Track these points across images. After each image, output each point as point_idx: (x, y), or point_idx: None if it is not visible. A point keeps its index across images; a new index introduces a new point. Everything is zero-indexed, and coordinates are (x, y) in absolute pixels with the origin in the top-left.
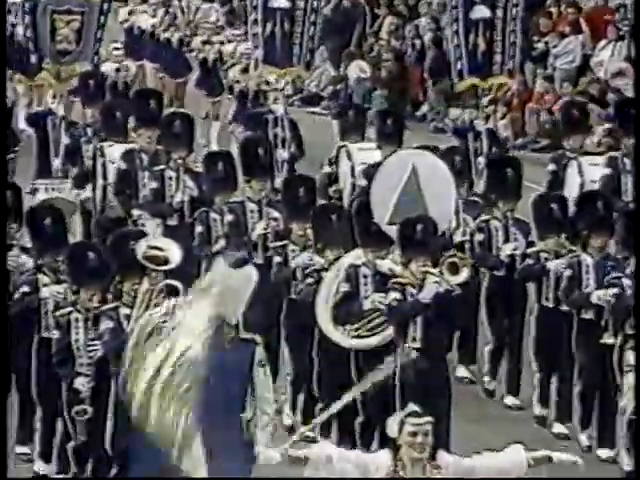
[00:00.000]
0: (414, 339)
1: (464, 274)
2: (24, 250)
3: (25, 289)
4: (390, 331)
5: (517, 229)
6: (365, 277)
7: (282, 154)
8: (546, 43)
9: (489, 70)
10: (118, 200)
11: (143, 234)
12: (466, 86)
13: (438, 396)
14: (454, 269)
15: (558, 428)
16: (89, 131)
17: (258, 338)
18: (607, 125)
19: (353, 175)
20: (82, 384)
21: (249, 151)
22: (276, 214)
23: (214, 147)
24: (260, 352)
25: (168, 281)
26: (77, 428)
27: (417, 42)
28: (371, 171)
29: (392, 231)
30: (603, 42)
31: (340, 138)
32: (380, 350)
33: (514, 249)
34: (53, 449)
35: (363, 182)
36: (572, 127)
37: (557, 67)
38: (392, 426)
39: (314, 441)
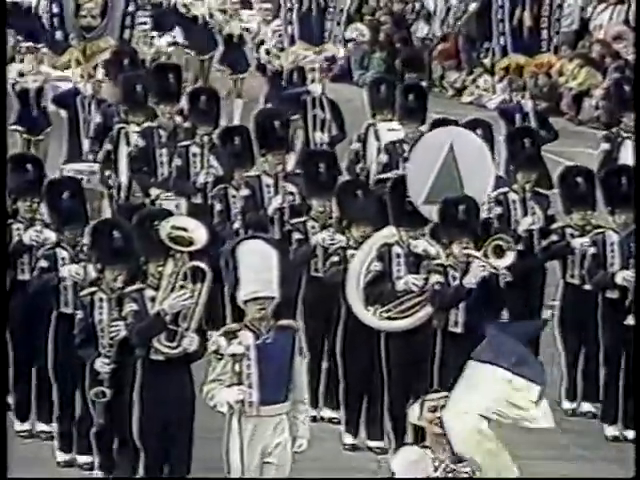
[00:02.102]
0: (455, 324)
1: (509, 258)
2: (47, 225)
3: (43, 264)
4: (423, 313)
5: (535, 203)
6: (398, 257)
7: (322, 137)
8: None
9: (537, 48)
10: (135, 178)
11: (169, 214)
12: (510, 64)
13: None
14: (499, 252)
15: (586, 407)
16: (122, 110)
17: (295, 324)
18: None
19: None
20: (102, 365)
21: (265, 124)
22: (293, 189)
23: None
24: (298, 339)
25: (194, 263)
26: (96, 411)
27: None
28: (392, 147)
29: (427, 211)
30: (602, 5)
31: (370, 112)
32: (411, 333)
33: (531, 224)
34: (72, 428)
35: (384, 159)
36: (625, 105)
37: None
38: (413, 411)
39: (338, 423)
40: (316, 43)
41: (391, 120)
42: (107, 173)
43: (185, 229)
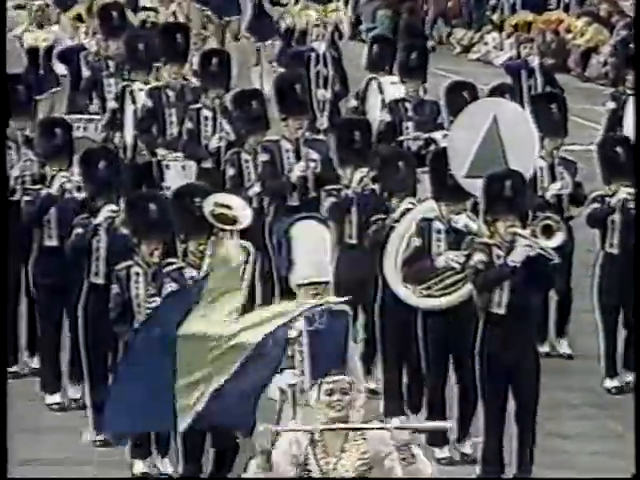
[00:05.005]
0: (499, 305)
1: (558, 238)
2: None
3: (79, 230)
4: (463, 291)
5: (564, 168)
6: (438, 232)
7: (324, 94)
8: None
9: (546, 5)
10: (142, 139)
11: (208, 191)
12: (519, 21)
13: (522, 370)
14: (548, 232)
15: (629, 377)
16: (111, 64)
17: (349, 309)
18: None
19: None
20: None
21: (285, 88)
22: (315, 155)
23: None
24: (351, 324)
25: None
26: None
27: None
28: (394, 106)
29: (469, 185)
30: None
31: (367, 69)
32: (451, 311)
33: (560, 189)
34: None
35: (387, 117)
36: (631, 63)
37: None
38: (312, 393)
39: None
40: (325, 1)
41: (391, 74)
42: (112, 132)
43: (229, 207)
